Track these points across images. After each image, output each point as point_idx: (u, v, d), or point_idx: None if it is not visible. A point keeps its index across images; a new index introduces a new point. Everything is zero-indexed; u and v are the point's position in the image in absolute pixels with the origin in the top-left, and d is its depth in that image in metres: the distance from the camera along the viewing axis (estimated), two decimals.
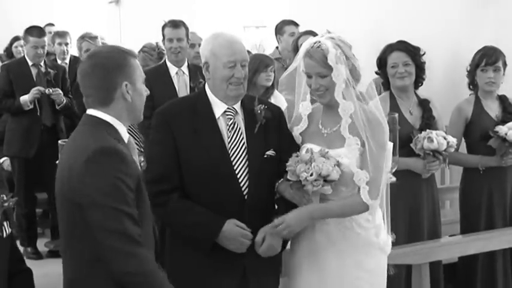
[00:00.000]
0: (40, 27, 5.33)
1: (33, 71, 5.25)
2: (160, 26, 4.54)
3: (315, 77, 2.57)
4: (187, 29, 4.50)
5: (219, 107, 2.57)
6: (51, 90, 5.14)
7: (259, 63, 4.08)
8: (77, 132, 2.14)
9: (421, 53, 3.54)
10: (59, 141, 3.32)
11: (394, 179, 2.83)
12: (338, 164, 2.48)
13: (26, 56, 5.31)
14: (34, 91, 5.09)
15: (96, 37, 5.12)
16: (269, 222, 2.54)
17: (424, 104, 3.56)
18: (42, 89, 5.11)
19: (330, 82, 2.54)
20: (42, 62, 5.28)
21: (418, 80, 3.57)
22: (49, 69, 5.27)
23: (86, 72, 2.10)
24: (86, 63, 2.12)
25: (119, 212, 1.95)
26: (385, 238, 2.69)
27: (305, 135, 2.67)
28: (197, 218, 2.48)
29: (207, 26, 6.40)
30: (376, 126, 2.55)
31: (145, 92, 2.17)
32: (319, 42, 2.55)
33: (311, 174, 2.43)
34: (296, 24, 5.46)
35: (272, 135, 2.61)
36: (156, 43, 4.85)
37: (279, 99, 4.19)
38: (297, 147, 2.67)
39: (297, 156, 2.51)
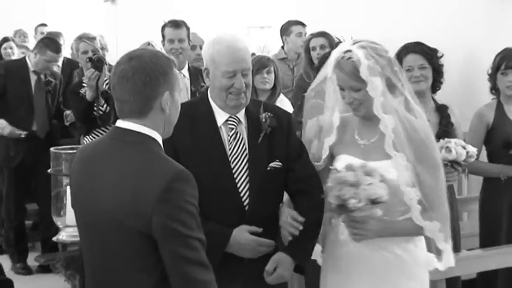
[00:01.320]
0: (58, 42, 5.32)
1: (33, 78, 5.20)
2: (159, 25, 4.54)
3: (348, 91, 2.48)
4: (188, 29, 4.49)
5: (221, 115, 2.55)
6: (22, 134, 5.10)
7: (253, 65, 4.07)
8: (115, 150, 2.01)
9: (439, 55, 3.52)
10: (51, 149, 3.31)
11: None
12: (383, 180, 2.36)
13: (27, 59, 5.25)
14: (15, 134, 5.08)
15: (94, 38, 5.11)
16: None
17: (442, 110, 3.53)
18: (21, 135, 5.10)
19: (365, 95, 2.45)
20: None
21: (436, 84, 3.55)
22: (50, 79, 5.25)
23: (126, 75, 1.97)
24: (124, 65, 1.99)
25: (194, 240, 1.92)
26: (429, 254, 2.59)
27: (339, 145, 2.61)
28: (206, 228, 2.46)
29: (209, 26, 6.39)
30: (419, 147, 2.46)
31: (180, 104, 2.10)
32: (350, 52, 2.45)
33: (360, 201, 2.30)
34: (303, 24, 5.46)
35: (278, 144, 2.58)
36: (148, 43, 4.84)
37: (284, 102, 4.17)
38: (306, 155, 2.65)
39: (337, 171, 2.38)
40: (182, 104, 2.92)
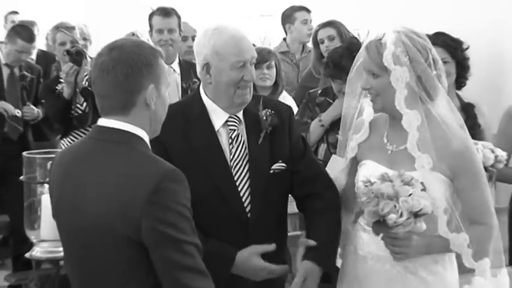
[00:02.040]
0: (30, 29, 5.29)
1: (5, 72, 5.17)
2: (147, 13, 4.51)
3: (367, 75, 2.47)
4: (179, 18, 4.48)
5: (219, 117, 2.56)
6: (18, 111, 5.07)
7: None
8: (98, 151, 2.03)
9: (464, 46, 3.50)
10: (24, 153, 3.29)
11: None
12: (424, 188, 2.32)
13: None
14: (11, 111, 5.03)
15: (73, 27, 5.08)
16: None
17: (467, 109, 3.52)
18: (9, 110, 5.05)
19: (383, 85, 2.43)
20: None
21: (460, 80, 3.54)
22: (25, 73, 5.22)
23: (106, 68, 2.00)
24: (105, 56, 2.02)
25: (188, 244, 1.94)
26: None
27: (364, 147, 2.59)
28: (207, 248, 2.44)
29: (202, 15, 6.38)
30: (456, 158, 2.42)
31: (168, 100, 2.12)
32: (384, 34, 2.42)
33: (401, 215, 2.26)
34: (308, 10, 5.45)
35: (281, 143, 2.60)
36: (133, 33, 4.82)
37: (286, 100, 4.16)
38: (310, 153, 2.67)
39: (371, 183, 2.33)
40: (173, 105, 2.95)
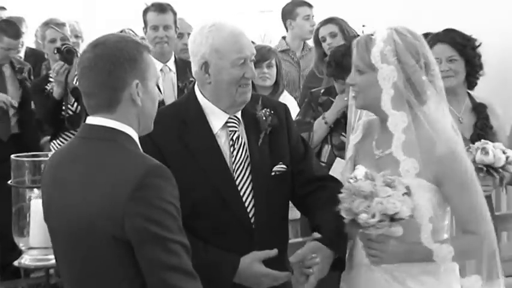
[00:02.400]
0: (16, 25, 5.27)
1: None
2: (141, 9, 4.51)
3: (354, 70, 2.49)
4: (175, 14, 4.46)
5: (218, 118, 2.56)
6: (16, 102, 5.05)
7: None
8: (85, 149, 2.07)
9: (476, 44, 3.48)
10: (12, 156, 3.29)
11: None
12: (408, 193, 2.32)
13: None
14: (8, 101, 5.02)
15: (63, 24, 5.08)
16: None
17: (479, 110, 3.50)
18: (8, 101, 5.04)
19: (368, 83, 2.44)
20: None
21: (471, 79, 3.52)
22: (18, 66, 5.20)
23: (88, 65, 2.05)
24: (88, 54, 2.06)
25: (175, 244, 1.96)
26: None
27: (359, 150, 2.60)
28: (208, 258, 2.44)
29: (198, 11, 6.38)
30: (442, 163, 2.40)
31: (158, 96, 2.15)
32: (376, 31, 2.44)
33: (373, 216, 2.26)
34: (310, 5, 5.43)
35: (280, 143, 2.61)
36: (121, 31, 4.81)
37: (287, 100, 4.16)
38: (311, 153, 2.69)
39: (354, 180, 2.36)
40: (167, 107, 2.96)
